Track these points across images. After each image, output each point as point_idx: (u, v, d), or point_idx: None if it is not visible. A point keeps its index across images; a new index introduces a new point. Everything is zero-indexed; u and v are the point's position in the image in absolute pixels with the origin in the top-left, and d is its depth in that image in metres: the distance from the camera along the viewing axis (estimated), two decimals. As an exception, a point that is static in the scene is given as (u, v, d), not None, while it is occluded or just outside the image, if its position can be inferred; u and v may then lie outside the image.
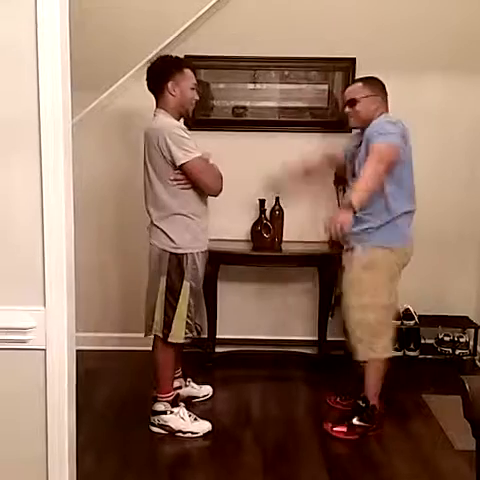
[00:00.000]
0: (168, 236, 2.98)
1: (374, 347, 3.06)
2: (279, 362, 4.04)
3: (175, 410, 3.10)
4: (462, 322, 4.02)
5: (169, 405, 3.11)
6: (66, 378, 1.95)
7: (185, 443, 3.04)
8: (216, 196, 3.08)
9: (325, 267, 3.87)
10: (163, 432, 3.09)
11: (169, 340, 3.04)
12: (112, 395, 3.50)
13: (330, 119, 3.98)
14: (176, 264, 2.98)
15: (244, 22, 3.85)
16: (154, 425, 3.12)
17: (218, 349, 3.98)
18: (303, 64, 3.92)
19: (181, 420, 3.08)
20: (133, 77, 3.81)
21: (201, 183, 2.97)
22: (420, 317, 3.94)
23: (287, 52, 3.84)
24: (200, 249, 3.05)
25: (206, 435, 3.08)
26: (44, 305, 1.91)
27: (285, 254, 3.90)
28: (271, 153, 3.95)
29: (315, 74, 3.95)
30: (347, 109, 3.17)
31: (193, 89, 3.04)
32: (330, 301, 3.91)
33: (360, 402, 3.12)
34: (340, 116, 3.94)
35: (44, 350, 1.93)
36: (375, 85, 3.12)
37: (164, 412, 3.09)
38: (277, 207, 3.91)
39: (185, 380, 3.44)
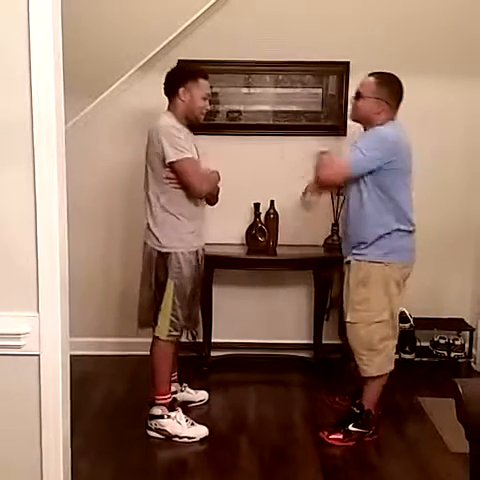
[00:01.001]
0: (154, 234, 3.04)
1: (370, 363, 3.03)
2: (275, 366, 4.04)
3: (172, 414, 3.09)
4: (457, 325, 4.03)
5: (166, 409, 3.10)
6: (60, 383, 1.95)
7: (181, 448, 3.03)
8: (203, 199, 3.13)
9: (320, 270, 3.87)
10: (160, 436, 3.08)
11: (155, 334, 3.10)
12: (108, 400, 3.49)
13: (324, 123, 3.98)
14: (162, 262, 3.04)
15: (238, 26, 3.85)
16: (151, 429, 3.11)
17: (214, 353, 3.98)
18: (297, 68, 3.93)
19: (178, 425, 3.07)
20: (129, 80, 3.82)
21: (188, 183, 3.00)
22: (415, 320, 3.93)
23: (281, 56, 3.85)
24: (185, 249, 3.06)
25: (202, 440, 3.07)
26: (38, 311, 1.91)
27: (280, 258, 3.90)
28: (265, 157, 3.96)
29: (309, 78, 3.95)
30: (352, 100, 3.07)
31: (205, 99, 3.08)
32: (325, 304, 3.92)
33: (355, 409, 3.10)
34: (334, 120, 3.95)
35: (38, 355, 1.93)
36: (387, 88, 2.95)
37: (161, 416, 3.08)
38: (272, 211, 3.91)
39: (181, 385, 3.44)
